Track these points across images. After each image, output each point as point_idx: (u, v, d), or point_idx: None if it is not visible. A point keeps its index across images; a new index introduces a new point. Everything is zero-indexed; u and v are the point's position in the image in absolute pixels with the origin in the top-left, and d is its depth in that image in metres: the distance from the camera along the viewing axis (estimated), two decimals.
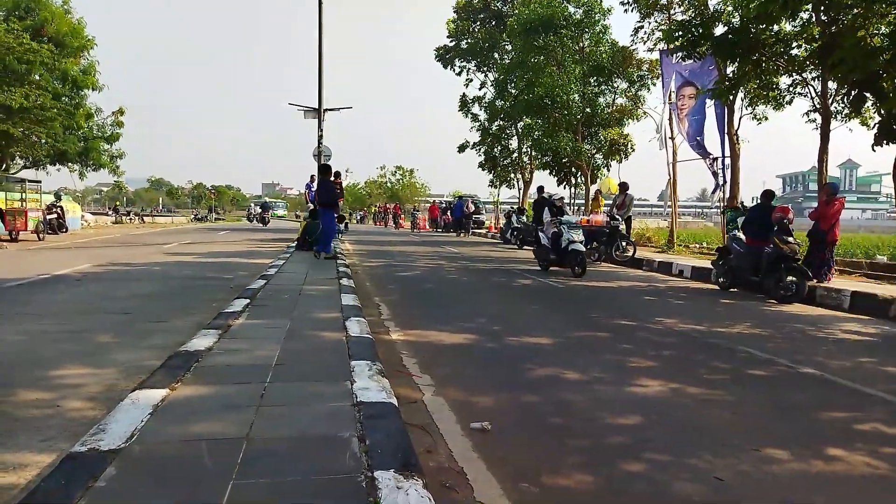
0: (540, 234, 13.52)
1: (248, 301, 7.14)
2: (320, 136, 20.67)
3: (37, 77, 23.23)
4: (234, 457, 2.81)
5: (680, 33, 13.18)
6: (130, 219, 47.53)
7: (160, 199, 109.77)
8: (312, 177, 21.68)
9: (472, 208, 33.23)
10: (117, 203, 71.84)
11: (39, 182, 21.76)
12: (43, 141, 23.31)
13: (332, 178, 15.30)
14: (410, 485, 2.41)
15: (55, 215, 22.17)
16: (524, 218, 23.66)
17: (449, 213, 34.52)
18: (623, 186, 17.20)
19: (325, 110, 21.07)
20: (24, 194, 19.93)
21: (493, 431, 3.70)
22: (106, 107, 33.51)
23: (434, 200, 50.31)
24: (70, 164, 29.10)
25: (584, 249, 12.40)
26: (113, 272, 11.23)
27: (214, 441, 3.06)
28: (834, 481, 3.18)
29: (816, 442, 3.68)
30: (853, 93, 10.77)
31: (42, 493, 2.36)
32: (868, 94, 10.80)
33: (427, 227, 39.63)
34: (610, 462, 3.32)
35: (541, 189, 23.21)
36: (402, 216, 48.95)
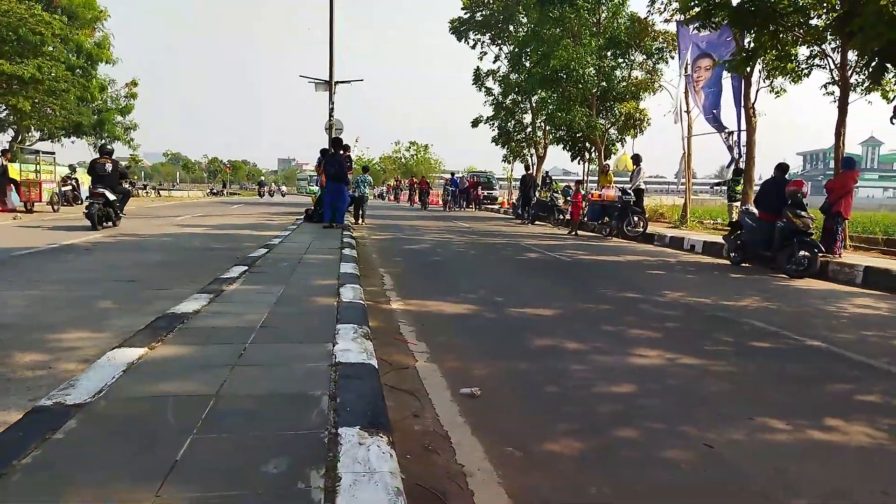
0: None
1: (245, 268, 7.14)
2: (331, 109, 20.59)
3: (51, 49, 23.23)
4: (199, 413, 2.80)
5: (696, 2, 12.83)
6: (147, 192, 47.82)
7: (177, 173, 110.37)
8: (323, 151, 21.67)
9: (465, 184, 34.46)
10: (135, 177, 72.53)
11: (53, 154, 21.89)
12: (57, 113, 23.37)
13: (342, 152, 15.26)
14: (373, 441, 2.37)
15: (70, 187, 22.34)
16: (537, 193, 23.47)
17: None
18: (636, 159, 16.96)
19: (337, 83, 20.97)
20: (38, 166, 20.05)
21: (483, 398, 3.66)
22: (119, 78, 33.76)
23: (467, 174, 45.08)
24: (85, 136, 29.26)
25: None
26: (123, 242, 11.28)
27: (182, 398, 3.05)
28: (830, 450, 3.11)
29: (815, 412, 3.60)
30: (873, 63, 10.45)
31: None
32: (889, 65, 10.48)
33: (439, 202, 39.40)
34: (600, 429, 3.27)
35: (527, 167, 24.43)
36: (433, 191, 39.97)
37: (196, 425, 2.65)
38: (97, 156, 14.75)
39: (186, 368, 3.49)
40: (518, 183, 26.06)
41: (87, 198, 14.79)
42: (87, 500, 2.09)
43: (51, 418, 2.58)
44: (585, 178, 26.96)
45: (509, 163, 38.68)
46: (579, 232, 17.55)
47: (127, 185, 16.69)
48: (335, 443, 2.44)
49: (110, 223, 14.01)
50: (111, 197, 13.84)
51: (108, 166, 14.09)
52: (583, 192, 19.13)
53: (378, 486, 2.09)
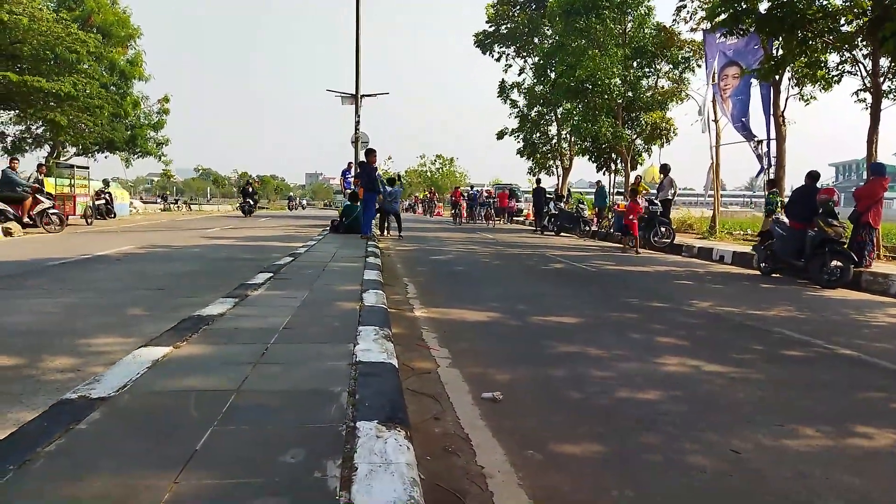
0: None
1: (270, 275, 7.24)
2: (357, 123, 20.78)
3: (85, 66, 23.88)
4: (220, 406, 2.85)
5: (722, 9, 12.74)
6: (178, 206, 48.76)
7: (207, 188, 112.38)
8: (350, 164, 21.90)
9: (486, 195, 33.42)
10: (166, 191, 74.36)
11: (87, 168, 22.47)
12: (90, 129, 24.00)
13: (366, 157, 15.48)
14: (391, 434, 2.38)
15: (103, 201, 22.90)
16: (562, 204, 23.42)
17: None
18: (664, 169, 16.81)
19: (363, 96, 21.18)
20: (72, 180, 20.58)
21: (504, 402, 3.64)
22: (150, 93, 34.72)
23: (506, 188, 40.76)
24: (118, 151, 29.97)
25: None
26: (153, 253, 11.48)
27: (204, 392, 3.11)
28: (858, 456, 3.03)
29: (844, 419, 3.52)
30: None
31: (22, 434, 2.43)
32: None
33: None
34: (623, 434, 3.23)
35: (539, 180, 25.08)
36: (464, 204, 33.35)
37: (217, 418, 2.69)
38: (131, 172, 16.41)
39: (209, 366, 3.56)
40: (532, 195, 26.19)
41: (244, 201, 31.68)
42: (107, 485, 2.13)
43: (75, 410, 2.65)
44: (611, 189, 26.78)
45: (535, 175, 38.58)
46: (603, 243, 17.40)
47: (257, 197, 34.45)
48: (353, 436, 2.45)
49: (251, 213, 31.10)
50: (251, 202, 31.39)
51: (251, 188, 32.43)
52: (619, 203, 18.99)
53: (394, 476, 2.09)
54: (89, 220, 19.88)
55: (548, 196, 25.00)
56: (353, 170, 20.95)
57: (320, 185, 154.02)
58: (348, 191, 20.20)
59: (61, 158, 26.36)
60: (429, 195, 51.20)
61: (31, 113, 22.51)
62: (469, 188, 37.64)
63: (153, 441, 2.48)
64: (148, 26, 31.13)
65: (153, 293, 6.87)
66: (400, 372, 3.71)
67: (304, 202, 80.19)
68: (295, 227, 22.48)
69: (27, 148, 26.97)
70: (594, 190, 26.32)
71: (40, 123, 24.65)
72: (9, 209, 15.08)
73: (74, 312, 5.74)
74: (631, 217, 14.95)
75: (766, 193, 14.98)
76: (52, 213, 16.10)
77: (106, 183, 24.91)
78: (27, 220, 15.53)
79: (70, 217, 19.23)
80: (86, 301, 6.29)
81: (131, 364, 3.37)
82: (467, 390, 3.86)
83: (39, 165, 19.84)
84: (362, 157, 17.70)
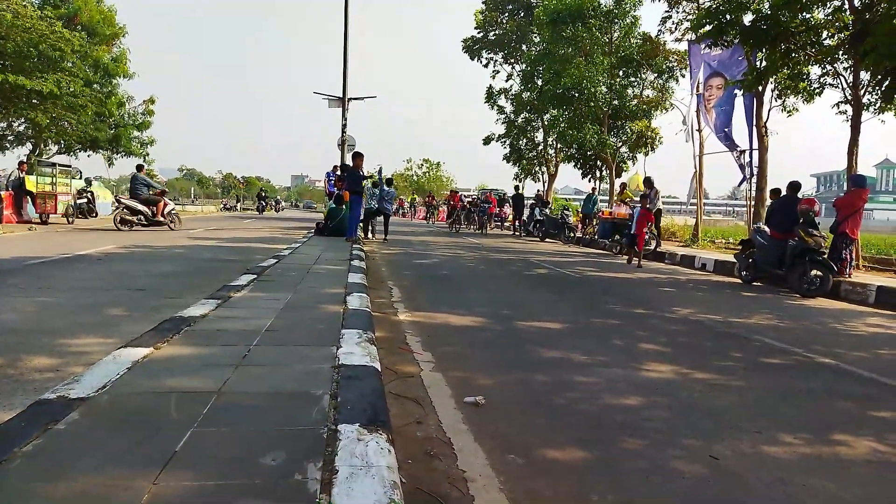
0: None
1: (254, 276, 7.20)
2: (344, 125, 20.77)
3: (69, 64, 23.60)
4: (201, 408, 2.83)
5: (707, 20, 12.91)
6: None
7: (191, 188, 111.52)
8: (335, 166, 21.86)
9: (479, 200, 32.57)
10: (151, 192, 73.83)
11: (69, 167, 22.18)
12: (73, 127, 23.71)
13: (353, 161, 15.49)
14: (372, 438, 2.38)
15: (85, 200, 22.57)
16: (547, 210, 23.52)
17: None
18: (648, 182, 16.94)
19: (350, 99, 21.17)
20: (54, 178, 20.28)
21: (487, 406, 3.65)
22: (135, 92, 34.42)
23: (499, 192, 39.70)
24: (101, 150, 29.63)
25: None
26: (135, 253, 11.35)
27: (184, 393, 3.09)
28: (837, 464, 3.07)
29: (823, 427, 3.57)
30: (885, 82, 10.43)
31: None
32: None
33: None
34: (604, 439, 3.24)
35: (517, 187, 25.44)
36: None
37: (197, 419, 2.68)
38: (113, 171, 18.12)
39: (190, 367, 3.53)
40: (531, 202, 26.22)
41: (259, 202, 49.02)
42: (86, 485, 2.10)
43: (53, 410, 2.62)
44: (597, 196, 26.92)
45: (520, 180, 38.68)
46: (587, 249, 17.47)
47: (268, 199, 53.61)
48: (334, 438, 2.45)
49: (263, 211, 47.00)
50: (264, 203, 48.60)
51: (264, 193, 52.75)
52: (609, 211, 19.00)
53: (374, 478, 2.09)
54: (71, 219, 19.61)
55: (529, 201, 25.26)
56: (336, 173, 20.94)
57: (305, 188, 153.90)
58: (334, 193, 20.16)
59: (43, 156, 26.00)
60: (429, 199, 47.12)
61: (13, 111, 22.22)
62: (451, 192, 37.76)
63: (133, 442, 2.46)
64: (133, 26, 30.90)
65: (134, 293, 6.80)
66: (382, 375, 3.71)
67: (283, 204, 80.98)
68: (280, 228, 22.38)
69: (8, 145, 26.60)
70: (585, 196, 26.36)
71: (22, 121, 24.33)
72: (147, 210, 17.02)
73: (54, 312, 5.66)
74: (640, 229, 13.62)
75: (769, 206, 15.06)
76: (174, 213, 18.24)
77: (88, 182, 24.59)
78: (161, 218, 17.44)
79: (51, 216, 19.00)
80: (65, 301, 6.21)
81: (111, 364, 3.34)
82: (450, 394, 3.85)
83: (20, 163, 19.57)
84: (349, 160, 17.68)
